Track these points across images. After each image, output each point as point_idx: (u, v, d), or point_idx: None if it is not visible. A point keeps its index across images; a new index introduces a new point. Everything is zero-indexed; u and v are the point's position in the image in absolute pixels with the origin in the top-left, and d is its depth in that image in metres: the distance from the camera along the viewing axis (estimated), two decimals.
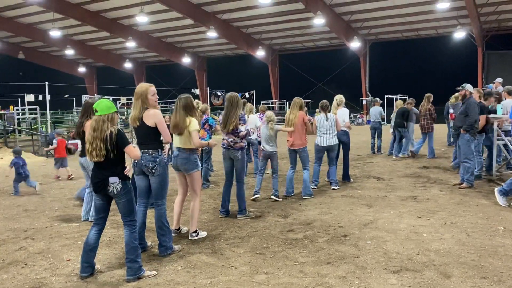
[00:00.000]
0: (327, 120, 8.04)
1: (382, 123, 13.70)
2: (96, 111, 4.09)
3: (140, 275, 4.14)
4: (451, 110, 11.14)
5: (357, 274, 4.12)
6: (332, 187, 8.16)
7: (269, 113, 7.54)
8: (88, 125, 4.25)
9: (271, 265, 4.40)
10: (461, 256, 4.52)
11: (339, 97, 9.06)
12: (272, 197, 7.27)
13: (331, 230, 5.52)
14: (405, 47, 32.28)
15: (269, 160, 7.44)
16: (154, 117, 4.61)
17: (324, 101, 8.25)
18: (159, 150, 4.69)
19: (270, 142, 7.28)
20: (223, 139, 6.21)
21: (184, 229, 5.62)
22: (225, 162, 6.32)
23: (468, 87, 8.03)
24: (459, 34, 28.25)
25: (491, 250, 4.67)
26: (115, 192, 4.10)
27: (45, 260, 4.71)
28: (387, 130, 13.88)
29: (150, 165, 4.64)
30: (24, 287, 3.99)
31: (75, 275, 4.25)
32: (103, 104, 4.12)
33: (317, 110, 8.40)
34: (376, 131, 13.44)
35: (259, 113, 11.00)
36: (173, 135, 5.32)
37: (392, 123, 13.07)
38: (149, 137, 4.67)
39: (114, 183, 4.08)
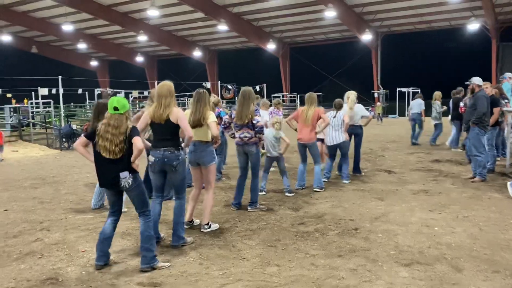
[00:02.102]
0: (334, 117, 8.05)
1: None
2: (117, 109, 4.15)
3: (154, 265, 4.22)
4: (461, 104, 11.02)
5: (368, 267, 4.14)
6: (343, 181, 8.15)
7: (277, 117, 7.61)
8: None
9: (282, 258, 4.44)
10: (473, 250, 4.51)
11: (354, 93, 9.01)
12: (287, 194, 7.30)
13: (342, 223, 5.54)
14: (418, 40, 31.97)
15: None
16: (177, 113, 4.68)
17: (338, 99, 8.28)
18: (180, 147, 4.77)
19: (275, 147, 7.33)
20: (237, 137, 6.24)
21: (196, 221, 5.69)
22: (240, 157, 6.35)
23: (475, 80, 7.95)
24: (473, 26, 27.83)
25: (504, 244, 4.66)
26: (127, 186, 4.17)
27: (61, 251, 4.80)
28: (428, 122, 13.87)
29: (174, 163, 4.68)
30: (41, 277, 4.09)
31: (90, 265, 4.34)
32: (122, 103, 4.21)
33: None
34: (416, 122, 13.67)
35: (272, 107, 10.69)
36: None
37: (433, 114, 13.09)
38: (172, 134, 4.74)
39: (125, 177, 4.14)
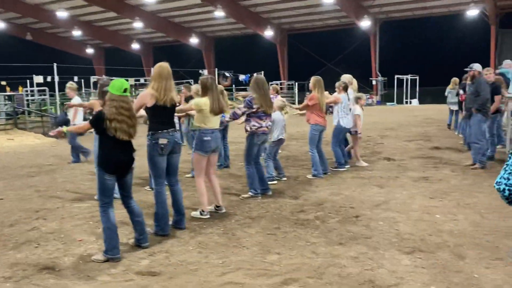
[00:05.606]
0: (348, 100, 7.93)
1: None
2: (126, 91, 4.14)
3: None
4: (461, 91, 10.89)
5: (369, 255, 4.09)
6: (342, 169, 8.06)
7: (280, 100, 7.52)
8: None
9: (283, 246, 4.39)
10: (475, 237, 4.47)
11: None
12: (308, 176, 7.50)
13: (342, 211, 5.49)
14: (416, 26, 31.62)
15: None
16: (176, 95, 4.96)
17: (343, 81, 8.06)
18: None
19: (283, 130, 7.25)
20: (263, 126, 6.11)
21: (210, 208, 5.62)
22: (256, 147, 6.22)
23: (476, 66, 7.85)
24: (472, 12, 27.58)
25: (506, 231, 4.61)
26: (134, 168, 4.32)
27: (58, 240, 4.73)
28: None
29: (180, 142, 4.95)
30: (38, 267, 4.02)
31: (87, 255, 4.27)
32: (127, 85, 4.21)
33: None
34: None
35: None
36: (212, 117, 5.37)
37: (450, 100, 12.80)
38: (173, 117, 4.94)
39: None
